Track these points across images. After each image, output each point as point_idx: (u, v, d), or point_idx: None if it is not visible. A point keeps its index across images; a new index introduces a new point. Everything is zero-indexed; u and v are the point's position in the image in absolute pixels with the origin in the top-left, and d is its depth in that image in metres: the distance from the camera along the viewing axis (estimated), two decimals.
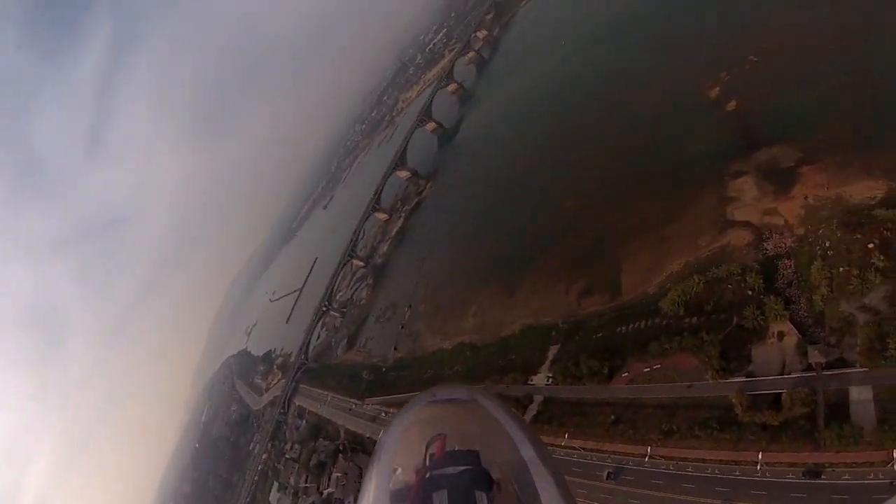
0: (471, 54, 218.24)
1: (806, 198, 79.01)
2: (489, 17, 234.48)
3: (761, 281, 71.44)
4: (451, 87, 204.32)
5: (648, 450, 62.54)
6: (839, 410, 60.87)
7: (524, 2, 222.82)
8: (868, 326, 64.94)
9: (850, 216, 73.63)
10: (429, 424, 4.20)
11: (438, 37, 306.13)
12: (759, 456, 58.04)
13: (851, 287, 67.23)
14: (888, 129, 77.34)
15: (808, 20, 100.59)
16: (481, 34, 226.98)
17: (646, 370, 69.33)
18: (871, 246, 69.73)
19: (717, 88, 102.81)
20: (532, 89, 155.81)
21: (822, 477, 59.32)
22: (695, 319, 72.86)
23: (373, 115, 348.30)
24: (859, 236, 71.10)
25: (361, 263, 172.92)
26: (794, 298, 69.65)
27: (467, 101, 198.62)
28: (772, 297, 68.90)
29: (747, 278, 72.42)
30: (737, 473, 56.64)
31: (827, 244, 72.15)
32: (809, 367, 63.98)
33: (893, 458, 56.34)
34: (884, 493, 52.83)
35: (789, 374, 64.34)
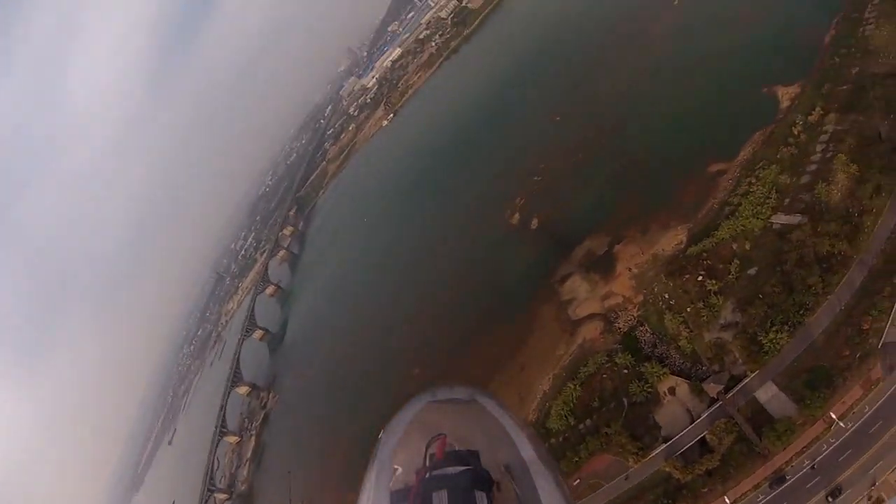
0: (282, 253, 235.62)
1: (630, 270, 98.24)
2: (292, 212, 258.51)
3: (629, 356, 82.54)
4: (269, 289, 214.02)
5: None
6: (761, 417, 69.49)
7: (323, 191, 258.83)
8: (737, 339, 79.44)
9: (672, 265, 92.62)
10: (429, 424, 4.41)
11: (248, 241, 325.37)
12: (725, 499, 64.57)
13: (704, 318, 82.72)
14: (659, 189, 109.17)
15: (569, 131, 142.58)
16: (288, 231, 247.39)
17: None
18: (700, 278, 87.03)
19: (517, 214, 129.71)
20: (346, 272, 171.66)
21: (788, 478, 65.98)
22: (589, 421, 79.91)
23: (199, 333, 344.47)
24: (687, 276, 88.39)
25: (225, 496, 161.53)
26: (664, 354, 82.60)
27: (288, 299, 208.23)
28: (645, 364, 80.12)
29: (617, 360, 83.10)
30: None
31: (666, 296, 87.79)
32: (713, 401, 74.15)
33: (833, 420, 64.86)
34: (848, 449, 63.37)
35: (699, 417, 72.95)
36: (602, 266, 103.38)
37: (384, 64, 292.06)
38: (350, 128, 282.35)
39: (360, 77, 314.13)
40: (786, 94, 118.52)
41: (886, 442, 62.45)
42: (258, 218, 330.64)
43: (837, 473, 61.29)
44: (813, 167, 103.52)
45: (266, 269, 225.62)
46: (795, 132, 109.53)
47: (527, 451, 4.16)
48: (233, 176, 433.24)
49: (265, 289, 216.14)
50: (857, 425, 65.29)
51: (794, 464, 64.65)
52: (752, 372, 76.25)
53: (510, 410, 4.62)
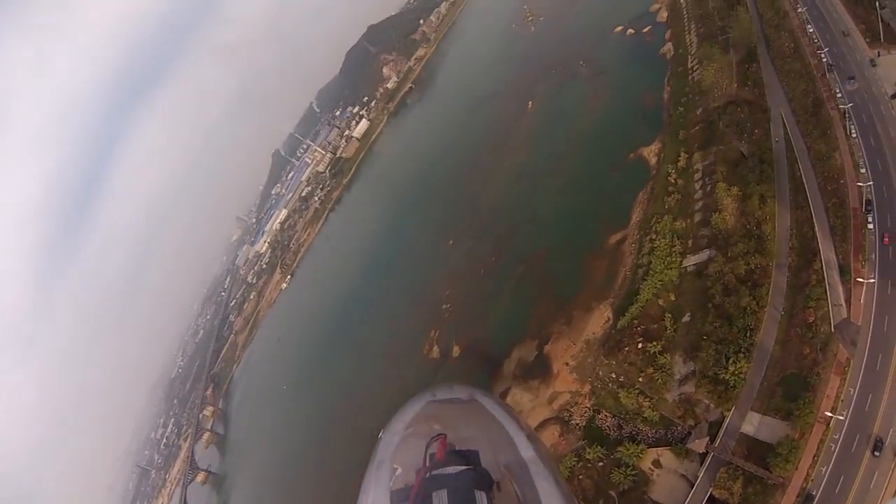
0: (206, 435, 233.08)
1: (567, 364, 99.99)
2: (209, 391, 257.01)
3: (599, 447, 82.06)
4: (200, 477, 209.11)
5: None
6: (758, 449, 71.16)
7: (237, 364, 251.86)
8: (700, 387, 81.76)
9: (607, 344, 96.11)
10: (429, 424, 4.70)
11: (169, 428, 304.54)
12: None
13: (659, 381, 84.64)
14: (568, 278, 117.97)
15: (465, 252, 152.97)
16: (208, 411, 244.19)
17: None
18: (640, 345, 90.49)
19: (435, 346, 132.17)
20: (277, 446, 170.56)
21: (814, 493, 64.93)
22: None
23: None
24: (627, 348, 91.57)
25: None
26: (634, 432, 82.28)
27: (222, 484, 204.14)
28: (618, 448, 79.73)
29: (587, 457, 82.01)
30: None
31: (613, 376, 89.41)
32: (703, 456, 74.04)
33: (829, 416, 68.21)
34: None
35: (697, 478, 72.48)
36: (538, 371, 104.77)
37: (273, 227, 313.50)
38: (251, 296, 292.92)
39: (252, 244, 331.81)
40: (651, 153, 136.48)
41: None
42: (175, 402, 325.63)
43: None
44: (700, 204, 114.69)
45: (192, 456, 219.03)
46: (672, 180, 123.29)
47: (527, 450, 4.33)
48: (140, 363, 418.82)
49: (195, 477, 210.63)
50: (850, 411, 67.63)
51: (813, 478, 65.43)
52: (728, 411, 76.40)
53: (511, 410, 4.82)
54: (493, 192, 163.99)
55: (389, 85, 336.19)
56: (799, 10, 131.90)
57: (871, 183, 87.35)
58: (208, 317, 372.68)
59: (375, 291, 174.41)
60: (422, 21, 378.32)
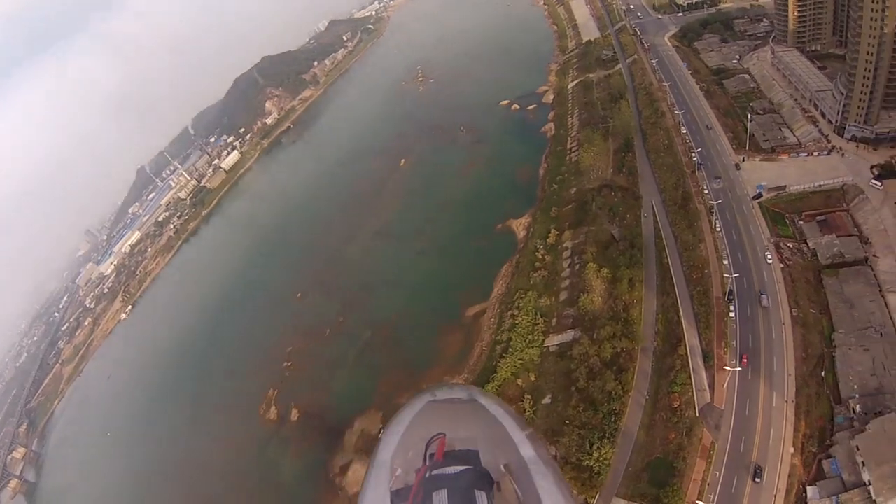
0: (13, 483, 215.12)
1: None
2: (23, 429, 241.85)
3: None
4: None
5: None
6: None
7: (59, 399, 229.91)
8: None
9: None
10: (429, 424, 5.10)
11: None
12: None
13: None
14: (421, 347, 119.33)
15: (314, 308, 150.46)
16: (19, 452, 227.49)
17: None
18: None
19: (273, 407, 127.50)
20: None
21: None
22: None
23: None
24: None
25: None
26: None
27: None
28: None
29: None
30: None
31: None
32: None
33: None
34: None
35: None
36: None
37: (123, 249, 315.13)
38: (87, 322, 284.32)
39: (98, 263, 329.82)
40: (520, 226, 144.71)
41: None
42: None
43: None
44: (567, 283, 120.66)
45: None
46: (540, 256, 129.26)
47: (527, 450, 4.72)
48: None
49: None
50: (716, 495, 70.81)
51: None
52: (592, 499, 78.04)
53: (511, 410, 5.21)
54: (352, 248, 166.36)
55: (269, 120, 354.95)
56: (675, 111, 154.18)
57: (736, 275, 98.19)
58: (35, 338, 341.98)
59: (217, 337, 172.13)
60: (316, 63, 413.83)
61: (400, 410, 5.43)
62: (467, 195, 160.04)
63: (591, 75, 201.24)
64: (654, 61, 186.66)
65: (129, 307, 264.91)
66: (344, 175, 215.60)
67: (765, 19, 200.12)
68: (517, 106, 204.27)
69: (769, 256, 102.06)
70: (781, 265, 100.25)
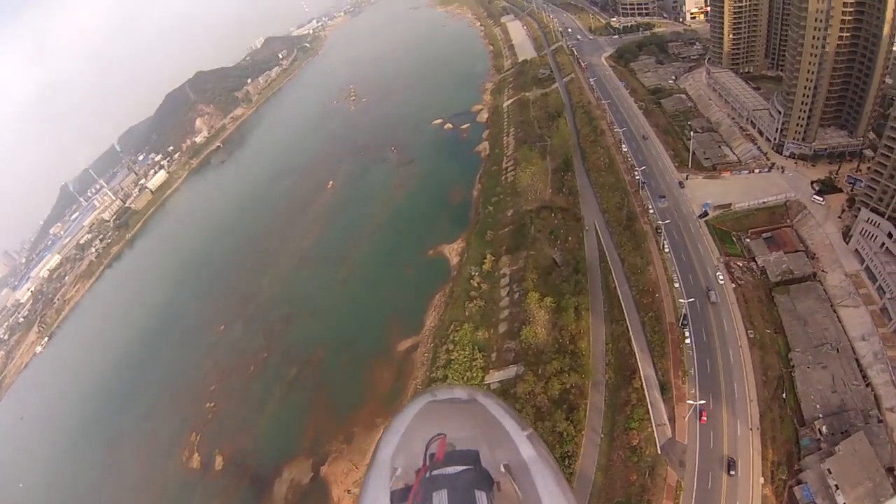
0: None
1: (349, 492, 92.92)
2: None
3: None
4: None
5: None
6: None
7: None
8: None
9: None
10: (429, 424, 5.17)
11: None
12: None
13: None
14: (348, 387, 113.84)
15: (237, 341, 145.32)
16: None
17: None
18: None
19: (196, 454, 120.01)
20: None
21: None
22: None
23: None
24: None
25: None
26: None
27: None
28: None
29: None
30: None
31: None
32: None
33: None
34: None
35: None
36: (314, 497, 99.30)
37: (41, 273, 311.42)
38: None
39: (14, 289, 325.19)
40: (453, 251, 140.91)
41: None
42: None
43: None
44: (506, 313, 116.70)
45: None
46: (476, 284, 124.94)
47: (527, 450, 4.82)
48: None
49: None
50: None
51: None
52: None
53: (511, 410, 5.29)
54: (276, 275, 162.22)
55: (198, 139, 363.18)
56: (615, 129, 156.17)
57: (692, 300, 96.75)
58: None
59: (136, 373, 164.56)
60: (249, 80, 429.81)
61: (400, 410, 5.43)
62: (397, 219, 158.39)
63: (527, 94, 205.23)
64: (591, 80, 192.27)
65: (46, 339, 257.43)
66: (271, 197, 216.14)
67: (697, 43, 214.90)
68: (450, 125, 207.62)
69: (721, 277, 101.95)
70: (733, 285, 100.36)
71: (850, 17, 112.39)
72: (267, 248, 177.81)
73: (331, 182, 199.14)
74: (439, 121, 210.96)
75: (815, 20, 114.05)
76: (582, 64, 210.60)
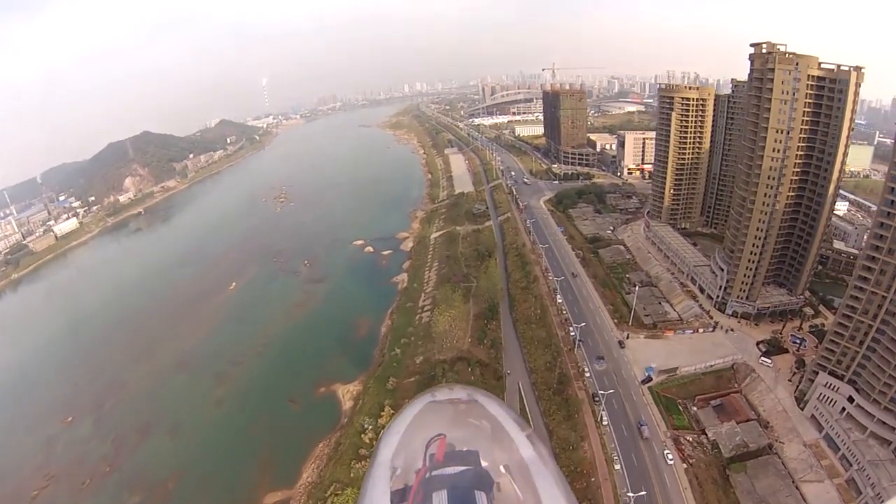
0: None
1: None
2: None
3: None
4: None
5: None
6: None
7: None
8: None
9: None
10: (429, 425, 5.28)
11: None
12: None
13: None
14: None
15: (82, 441, 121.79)
16: None
17: None
18: None
19: None
20: None
21: None
22: None
23: None
24: None
25: None
26: None
27: None
28: None
29: None
30: None
31: None
32: None
33: None
34: None
35: None
36: None
37: None
38: None
39: None
40: (347, 393, 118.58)
41: None
42: None
43: None
44: None
45: None
46: (367, 440, 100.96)
47: (526, 450, 4.98)
48: None
49: None
50: None
51: None
52: None
53: (511, 410, 5.47)
54: (146, 372, 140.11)
55: (123, 198, 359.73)
56: (550, 277, 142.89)
57: (643, 493, 76.79)
58: None
59: None
60: (191, 155, 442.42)
61: (400, 411, 5.48)
62: (292, 341, 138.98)
63: (458, 228, 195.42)
64: (528, 222, 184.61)
65: None
66: (170, 282, 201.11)
67: (634, 196, 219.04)
68: (371, 248, 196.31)
69: (669, 456, 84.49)
70: (684, 465, 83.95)
71: (796, 177, 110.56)
72: (148, 338, 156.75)
73: (234, 283, 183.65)
74: (361, 241, 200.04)
75: (769, 178, 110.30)
76: (520, 204, 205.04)
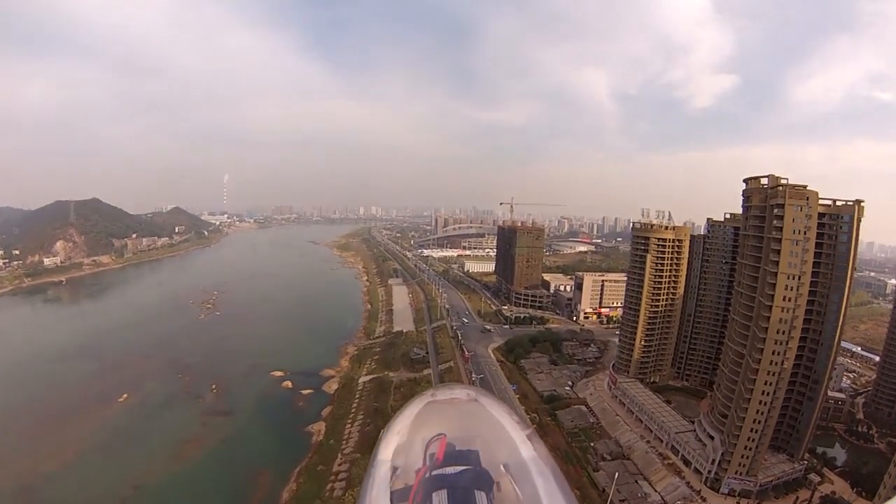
0: None
1: None
2: None
3: None
4: None
5: None
6: None
7: None
8: None
9: None
10: (429, 424, 5.31)
11: None
12: None
13: None
14: None
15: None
16: None
17: None
18: None
19: None
20: None
21: None
22: None
23: None
24: None
25: None
26: None
27: None
28: None
29: None
30: None
31: None
32: None
33: None
34: None
35: None
36: None
37: None
38: None
39: None
40: None
41: None
42: None
43: None
44: None
45: None
46: None
47: (527, 450, 4.98)
48: None
49: None
50: None
51: None
52: None
53: (511, 410, 5.45)
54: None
55: (48, 262, 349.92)
56: None
57: None
58: None
59: None
60: (134, 235, 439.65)
61: (401, 410, 5.44)
62: (167, 494, 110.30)
63: (391, 374, 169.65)
64: (474, 377, 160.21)
65: None
66: (55, 375, 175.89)
67: (592, 345, 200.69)
68: (290, 383, 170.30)
69: None
70: None
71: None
72: (2, 444, 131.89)
73: (126, 395, 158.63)
74: (280, 373, 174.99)
75: (778, 332, 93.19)
76: (466, 352, 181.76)
